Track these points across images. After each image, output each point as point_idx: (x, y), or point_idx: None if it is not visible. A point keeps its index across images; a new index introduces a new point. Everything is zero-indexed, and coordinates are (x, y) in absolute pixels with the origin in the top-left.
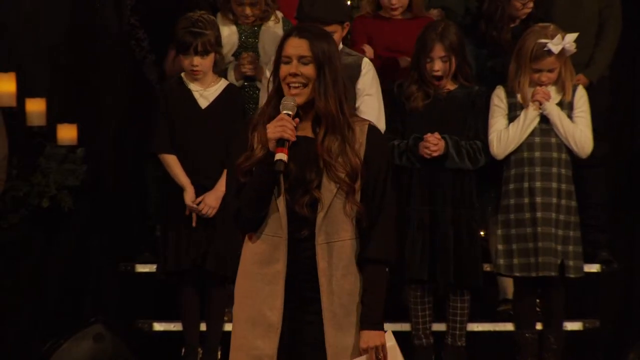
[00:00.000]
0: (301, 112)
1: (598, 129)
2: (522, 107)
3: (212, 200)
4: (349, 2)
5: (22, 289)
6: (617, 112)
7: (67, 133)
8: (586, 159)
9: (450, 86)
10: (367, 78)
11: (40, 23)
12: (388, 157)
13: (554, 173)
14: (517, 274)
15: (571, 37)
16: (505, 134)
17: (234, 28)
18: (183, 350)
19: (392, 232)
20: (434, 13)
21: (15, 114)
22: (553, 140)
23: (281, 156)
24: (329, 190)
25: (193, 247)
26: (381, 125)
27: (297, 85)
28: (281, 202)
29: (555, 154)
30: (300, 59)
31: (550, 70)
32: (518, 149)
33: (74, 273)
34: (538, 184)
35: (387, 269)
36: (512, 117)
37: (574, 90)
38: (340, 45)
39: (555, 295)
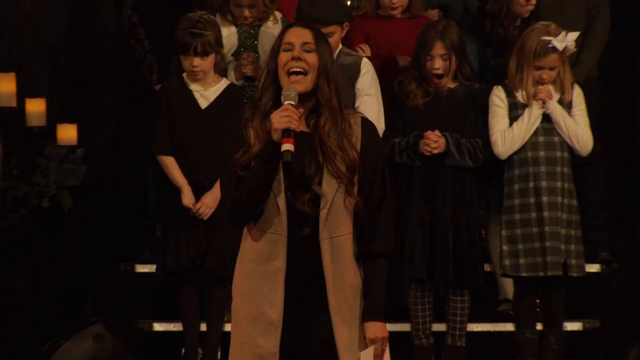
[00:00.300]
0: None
1: (592, 127)
2: (523, 106)
3: (210, 201)
4: (348, 3)
5: (22, 289)
6: (617, 112)
7: (67, 133)
8: (585, 158)
9: (451, 84)
10: (366, 78)
11: (40, 23)
12: (383, 150)
13: (559, 172)
14: (524, 274)
15: (573, 35)
16: (509, 134)
17: (233, 29)
18: (183, 350)
19: (391, 224)
20: (432, 14)
21: (15, 114)
22: (556, 139)
23: (289, 146)
24: (330, 185)
25: (193, 247)
26: (381, 126)
27: (298, 70)
28: (282, 200)
29: (559, 153)
30: (304, 45)
31: (551, 68)
32: (521, 149)
33: (74, 273)
34: (544, 184)
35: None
36: (512, 117)
37: (571, 89)
38: (340, 46)
39: (555, 295)
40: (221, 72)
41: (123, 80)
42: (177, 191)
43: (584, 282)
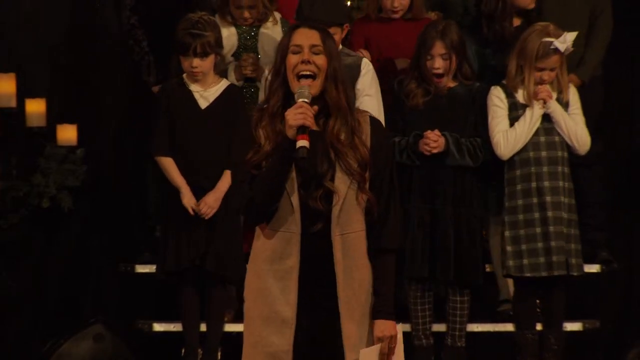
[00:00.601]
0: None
1: (593, 127)
2: (523, 106)
3: (212, 201)
4: (348, 3)
5: (22, 289)
6: (615, 111)
7: (67, 133)
8: (584, 157)
9: (451, 84)
10: (366, 78)
11: (40, 23)
12: (391, 147)
13: (560, 171)
14: (528, 275)
15: (572, 35)
16: (512, 134)
17: (233, 29)
18: (183, 350)
19: (400, 220)
20: (432, 16)
21: (15, 114)
22: (557, 138)
23: (304, 143)
24: (343, 182)
25: (193, 247)
26: None
27: (308, 73)
28: (295, 197)
29: (560, 153)
30: (312, 47)
31: (552, 69)
32: (523, 149)
33: (74, 273)
34: (546, 184)
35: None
36: (512, 117)
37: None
38: (340, 46)
39: (555, 296)
40: (221, 72)
41: (123, 80)
42: (177, 191)
43: (584, 282)
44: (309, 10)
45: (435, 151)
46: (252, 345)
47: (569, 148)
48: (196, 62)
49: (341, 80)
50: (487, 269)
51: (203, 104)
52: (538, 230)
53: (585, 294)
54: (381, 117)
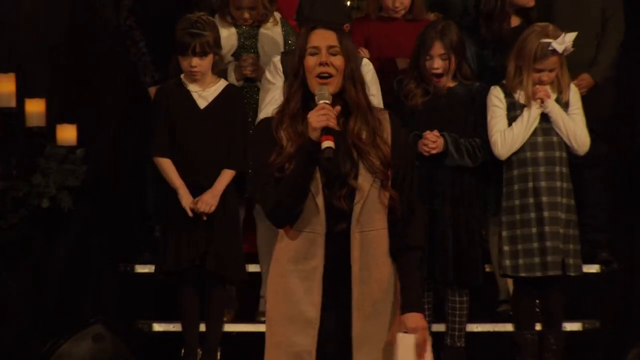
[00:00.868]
0: None
1: (601, 129)
2: (521, 106)
3: (209, 198)
4: (348, 3)
5: (22, 289)
6: (617, 112)
7: (66, 133)
8: (589, 158)
9: (450, 84)
10: (367, 78)
11: (40, 23)
12: (411, 145)
13: (557, 172)
14: (523, 274)
15: (571, 36)
16: (509, 134)
17: (233, 30)
18: (183, 350)
19: (422, 216)
20: (431, 17)
21: (15, 114)
22: (555, 139)
23: (329, 144)
24: (366, 179)
25: (193, 247)
26: None
27: (326, 75)
28: (319, 198)
29: (557, 153)
30: (329, 48)
31: (551, 70)
32: (520, 149)
33: (74, 273)
34: (543, 184)
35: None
36: (511, 117)
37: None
38: None
39: (554, 296)
40: (220, 73)
41: (123, 80)
42: (176, 191)
43: (583, 282)
44: (309, 10)
45: (434, 152)
46: (275, 346)
47: (568, 148)
48: (195, 61)
49: (359, 80)
50: (487, 269)
51: (202, 103)
52: (534, 230)
53: (585, 294)
54: None
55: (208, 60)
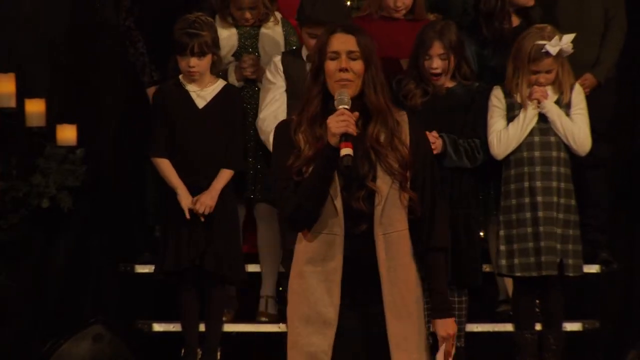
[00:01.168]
0: None
1: (603, 129)
2: (520, 106)
3: (207, 199)
4: (348, 3)
5: (22, 289)
6: (618, 112)
7: (66, 133)
8: (591, 159)
9: (449, 84)
10: None
11: (40, 23)
12: (430, 145)
13: (554, 172)
14: (518, 274)
15: (568, 37)
16: (505, 134)
17: (233, 30)
18: (183, 350)
19: (446, 217)
20: (432, 18)
21: (14, 114)
22: (552, 139)
23: (348, 150)
24: (384, 182)
25: (192, 247)
26: None
27: (346, 80)
28: (338, 200)
29: (554, 153)
30: (349, 54)
31: (548, 72)
32: (517, 149)
33: (74, 273)
34: (538, 184)
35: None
36: (510, 117)
37: (571, 89)
38: None
39: (554, 296)
40: (219, 73)
41: (123, 80)
42: (175, 192)
43: (583, 283)
44: (310, 10)
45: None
46: (293, 345)
47: (569, 149)
48: (193, 61)
49: (380, 82)
50: (487, 269)
51: (200, 103)
52: (529, 230)
53: (585, 294)
54: None
55: (206, 60)
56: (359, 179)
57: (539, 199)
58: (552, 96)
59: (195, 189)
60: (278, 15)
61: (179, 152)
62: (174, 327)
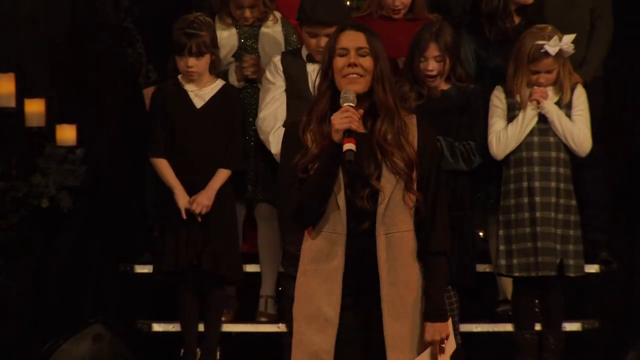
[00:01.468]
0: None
1: (594, 129)
2: (521, 107)
3: (204, 199)
4: (348, 3)
5: (22, 289)
6: (618, 112)
7: (66, 133)
8: (584, 159)
9: (444, 86)
10: None
11: (40, 23)
12: (438, 149)
13: (553, 172)
14: (517, 274)
15: (569, 38)
16: (504, 134)
17: (233, 30)
18: (182, 350)
19: (447, 221)
20: (431, 17)
21: (14, 114)
22: (552, 139)
23: (351, 146)
24: (389, 181)
25: (191, 247)
26: None
27: (354, 76)
28: (341, 198)
29: (553, 153)
30: (358, 50)
31: (548, 72)
32: (517, 149)
33: (74, 273)
34: (537, 184)
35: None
36: (511, 117)
37: (572, 89)
38: None
39: (554, 296)
40: (219, 74)
41: (123, 80)
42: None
43: (583, 283)
44: (311, 10)
45: None
46: (296, 345)
47: (569, 150)
48: (191, 61)
49: (388, 80)
50: (487, 269)
51: (199, 103)
52: (527, 230)
53: (584, 294)
54: None
55: (205, 60)
56: (363, 178)
57: (537, 199)
58: (552, 97)
59: (194, 189)
60: (278, 14)
61: (178, 152)
62: (174, 327)
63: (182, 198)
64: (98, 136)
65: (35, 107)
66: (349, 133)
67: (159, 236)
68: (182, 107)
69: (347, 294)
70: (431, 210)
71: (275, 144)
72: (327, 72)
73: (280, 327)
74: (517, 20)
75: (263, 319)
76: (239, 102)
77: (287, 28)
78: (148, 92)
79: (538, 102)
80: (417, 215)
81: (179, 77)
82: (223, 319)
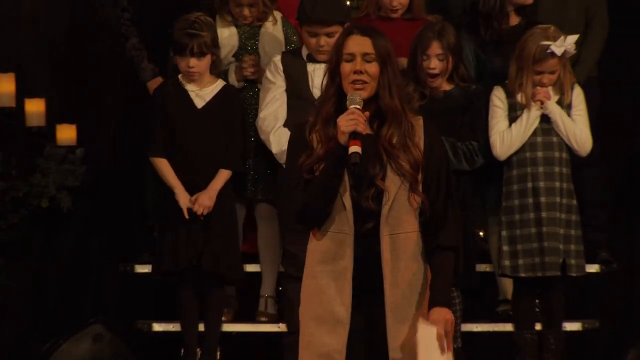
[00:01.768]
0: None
1: (590, 128)
2: (522, 107)
3: (205, 200)
4: (348, 3)
5: (22, 289)
6: (617, 112)
7: (66, 133)
8: (583, 158)
9: (447, 86)
10: None
11: (40, 23)
12: (445, 149)
13: (557, 172)
14: (523, 275)
15: (572, 38)
16: (508, 135)
17: (233, 30)
18: (182, 350)
19: (458, 218)
20: (430, 18)
21: (14, 114)
22: (554, 139)
23: (356, 148)
24: (394, 182)
25: (191, 247)
26: None
27: (360, 84)
28: (347, 199)
29: (557, 153)
30: (364, 56)
31: (551, 72)
32: (520, 149)
33: (74, 273)
34: (542, 184)
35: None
36: (511, 118)
37: (571, 89)
38: None
39: (554, 296)
40: (219, 74)
41: (123, 80)
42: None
43: (583, 282)
44: (311, 9)
45: None
46: (306, 346)
47: (570, 149)
48: (193, 62)
49: (396, 84)
50: (487, 269)
51: (199, 103)
52: (533, 230)
53: (584, 294)
54: None
55: (206, 60)
56: (368, 178)
57: (543, 199)
58: (553, 97)
59: (194, 189)
60: (278, 14)
61: (178, 152)
62: (174, 327)
63: (183, 198)
64: (98, 136)
65: (35, 107)
66: (354, 135)
67: (159, 236)
68: (182, 107)
69: (354, 295)
70: (443, 206)
71: (275, 144)
72: (333, 75)
73: (281, 327)
74: (517, 20)
75: (263, 319)
76: (240, 102)
77: (288, 28)
78: (153, 84)
79: (541, 103)
80: (422, 216)
81: (180, 76)
82: (223, 318)
